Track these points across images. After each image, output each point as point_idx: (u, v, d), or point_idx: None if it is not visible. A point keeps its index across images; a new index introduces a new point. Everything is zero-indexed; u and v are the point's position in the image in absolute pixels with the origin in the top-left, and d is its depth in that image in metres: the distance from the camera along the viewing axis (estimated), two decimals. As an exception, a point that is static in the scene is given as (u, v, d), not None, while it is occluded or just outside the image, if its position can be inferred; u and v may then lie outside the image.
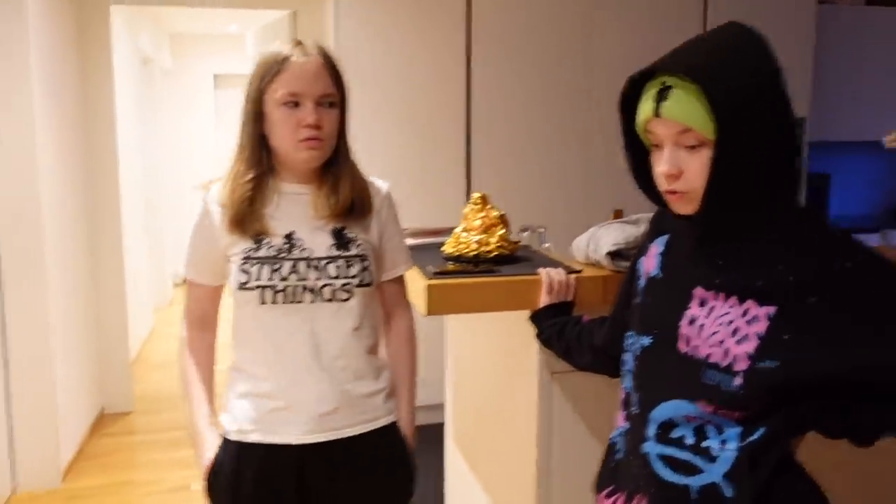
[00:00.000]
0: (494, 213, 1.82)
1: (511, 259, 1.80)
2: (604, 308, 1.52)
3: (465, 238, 1.81)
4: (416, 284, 1.65)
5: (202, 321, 1.53)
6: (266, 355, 1.42)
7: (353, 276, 1.42)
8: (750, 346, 0.99)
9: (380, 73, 3.50)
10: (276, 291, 1.39)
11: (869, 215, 4.81)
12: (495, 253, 1.78)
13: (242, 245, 1.41)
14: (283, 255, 1.40)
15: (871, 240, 4.14)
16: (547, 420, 1.73)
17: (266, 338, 1.42)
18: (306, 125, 1.38)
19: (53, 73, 3.17)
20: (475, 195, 1.86)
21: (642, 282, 1.22)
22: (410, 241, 2.10)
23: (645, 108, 1.06)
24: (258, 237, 1.41)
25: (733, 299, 1.03)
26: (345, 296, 1.42)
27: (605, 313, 1.40)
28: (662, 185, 1.07)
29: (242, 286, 1.39)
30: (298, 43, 1.41)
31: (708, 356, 1.03)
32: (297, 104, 1.38)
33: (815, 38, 4.01)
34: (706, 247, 1.07)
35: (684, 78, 0.99)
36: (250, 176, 1.40)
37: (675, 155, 1.03)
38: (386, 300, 1.58)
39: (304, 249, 1.41)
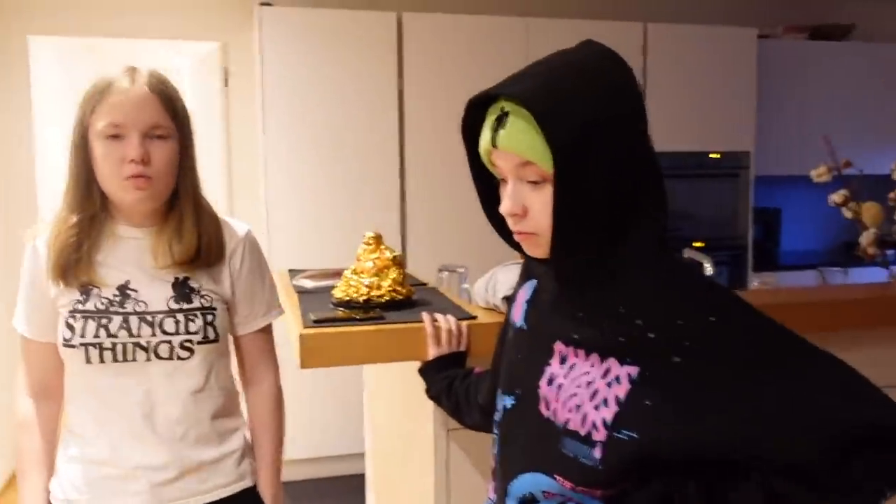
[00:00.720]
0: (388, 255, 1.68)
1: (405, 304, 1.65)
2: (500, 358, 1.38)
3: (355, 281, 1.66)
4: (293, 334, 1.50)
5: (43, 387, 1.34)
6: (95, 417, 1.27)
7: (194, 332, 1.27)
8: (608, 413, 0.85)
9: (308, 105, 3.38)
10: (104, 349, 1.23)
11: (815, 251, 4.75)
12: (387, 298, 1.63)
13: (69, 296, 1.26)
14: (113, 308, 1.25)
15: (807, 277, 4.06)
16: (443, 478, 1.57)
17: (95, 398, 1.26)
18: (130, 160, 1.20)
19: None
20: (368, 234, 1.72)
21: (510, 333, 1.08)
22: (308, 284, 1.95)
23: (484, 136, 0.93)
24: (86, 288, 1.25)
25: (594, 357, 0.89)
26: (185, 354, 1.27)
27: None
28: (509, 224, 0.94)
29: (66, 343, 1.24)
30: (130, 69, 1.25)
31: (566, 422, 0.90)
32: (119, 137, 1.21)
33: (756, 72, 3.97)
34: (564, 296, 0.94)
35: (520, 104, 0.86)
36: (76, 218, 1.25)
37: (518, 190, 0.90)
38: (245, 356, 1.43)
39: (139, 303, 1.26)
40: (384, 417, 2.17)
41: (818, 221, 4.72)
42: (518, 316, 1.05)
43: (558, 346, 0.93)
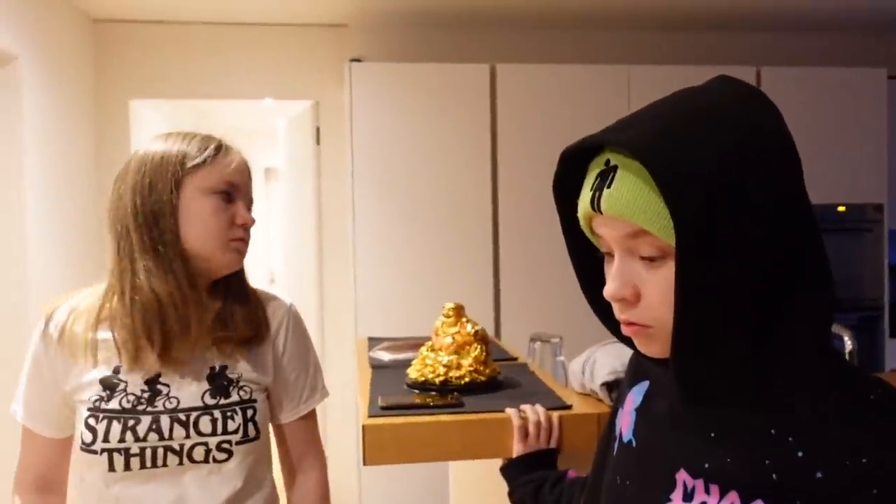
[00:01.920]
0: (470, 329, 1.48)
1: (488, 386, 1.44)
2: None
3: (432, 360, 1.46)
4: (359, 422, 1.32)
5: (45, 482, 1.18)
6: None
7: (233, 431, 1.10)
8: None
9: (397, 163, 3.26)
10: (130, 456, 1.07)
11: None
12: (467, 379, 1.43)
13: (90, 391, 1.10)
14: (141, 406, 1.09)
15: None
16: None
17: None
18: (242, 224, 1.16)
19: (56, 171, 3.05)
20: (447, 305, 1.52)
21: (615, 446, 0.85)
22: (385, 357, 1.77)
23: (583, 197, 0.72)
24: (109, 381, 1.10)
25: (733, 496, 0.65)
26: (222, 456, 1.10)
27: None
28: (615, 310, 0.72)
29: (85, 447, 1.08)
30: (224, 140, 1.20)
31: None
32: (231, 198, 1.16)
33: (887, 116, 3.59)
34: (690, 409, 0.71)
35: (631, 156, 0.65)
36: (127, 293, 1.10)
37: (627, 268, 0.69)
38: (289, 447, 1.26)
39: (169, 398, 1.10)
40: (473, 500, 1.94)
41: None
42: (626, 427, 0.82)
43: (682, 476, 0.70)
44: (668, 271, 0.65)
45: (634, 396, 0.83)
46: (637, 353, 0.85)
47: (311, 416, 1.29)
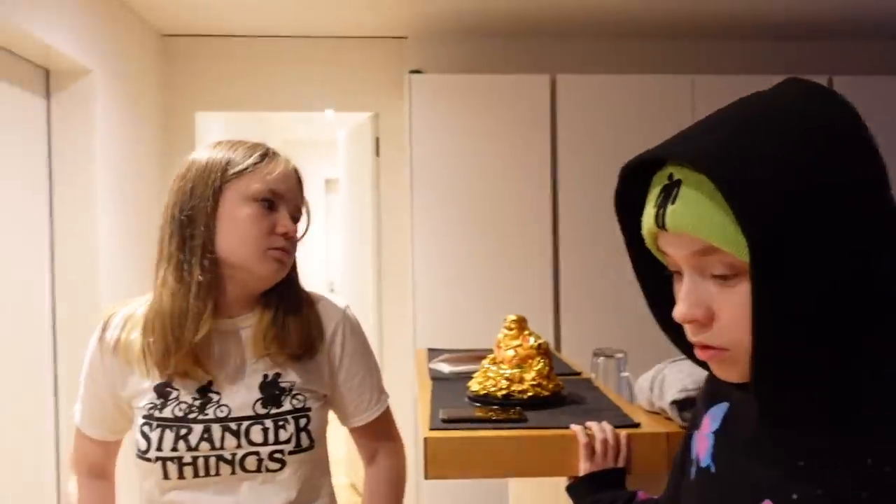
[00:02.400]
0: (532, 342, 1.45)
1: (552, 402, 1.40)
2: (667, 474, 1.10)
3: (494, 373, 1.43)
4: (420, 434, 1.29)
5: (96, 471, 1.22)
6: None
7: (285, 441, 1.09)
8: None
9: (456, 174, 3.25)
10: (183, 464, 1.07)
11: None
12: (530, 394, 1.39)
13: (144, 398, 1.11)
14: (192, 415, 1.09)
15: None
16: None
17: None
18: (283, 233, 1.12)
19: (125, 180, 3.13)
20: (509, 318, 1.49)
21: (692, 471, 0.80)
22: (446, 369, 1.75)
23: (647, 214, 0.68)
24: (163, 390, 1.10)
25: None
26: (275, 466, 1.08)
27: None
28: (687, 333, 0.68)
29: (141, 455, 1.09)
30: (274, 149, 1.18)
31: None
32: (273, 206, 1.13)
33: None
34: (776, 435, 0.66)
35: (697, 168, 0.62)
36: (211, 302, 1.10)
37: (698, 288, 0.64)
38: (363, 444, 1.27)
39: (220, 407, 1.09)
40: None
41: None
42: (703, 451, 0.78)
43: None
44: (742, 290, 0.61)
45: (712, 419, 0.79)
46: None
47: (383, 414, 1.28)
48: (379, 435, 1.28)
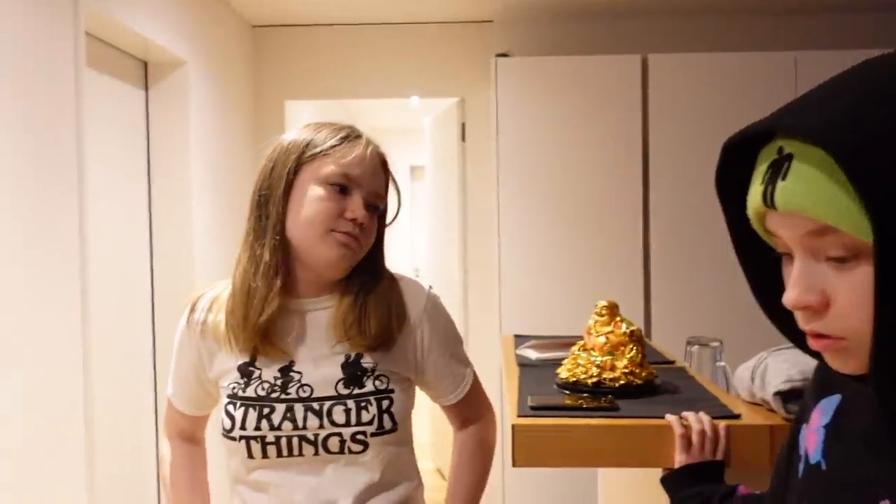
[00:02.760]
0: (624, 328, 1.40)
1: (645, 390, 1.35)
2: (770, 469, 1.04)
3: (584, 360, 1.39)
4: (507, 422, 1.27)
5: (186, 436, 1.26)
6: None
7: (367, 422, 1.07)
8: None
9: (544, 157, 3.19)
10: (266, 444, 1.07)
11: None
12: (622, 382, 1.34)
13: (229, 378, 1.12)
14: (275, 394, 1.09)
15: None
16: None
17: (259, 496, 1.12)
18: (352, 218, 1.09)
19: (218, 168, 3.22)
20: (600, 303, 1.45)
21: (800, 467, 0.75)
22: (533, 356, 1.72)
23: (754, 191, 0.62)
24: (247, 369, 1.11)
25: None
26: (357, 448, 1.08)
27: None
28: (799, 321, 0.62)
29: (226, 434, 1.10)
30: (360, 132, 1.15)
31: None
32: (345, 191, 1.10)
33: None
34: (895, 430, 0.61)
35: (810, 141, 0.56)
36: (278, 283, 1.10)
37: (811, 271, 0.59)
38: (455, 416, 1.26)
39: (303, 387, 1.09)
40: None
41: None
42: (813, 446, 0.72)
43: None
44: (862, 273, 0.55)
45: (823, 412, 0.73)
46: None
47: (473, 389, 1.26)
48: (470, 405, 1.27)
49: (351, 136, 1.14)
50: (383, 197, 1.16)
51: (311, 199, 1.09)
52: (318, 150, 1.11)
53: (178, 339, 1.19)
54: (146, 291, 2.80)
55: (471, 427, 1.27)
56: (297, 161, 1.11)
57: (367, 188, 1.12)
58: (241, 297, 1.11)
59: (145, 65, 2.80)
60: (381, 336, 1.12)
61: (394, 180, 1.21)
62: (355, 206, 1.10)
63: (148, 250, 2.82)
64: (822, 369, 0.78)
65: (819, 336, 0.60)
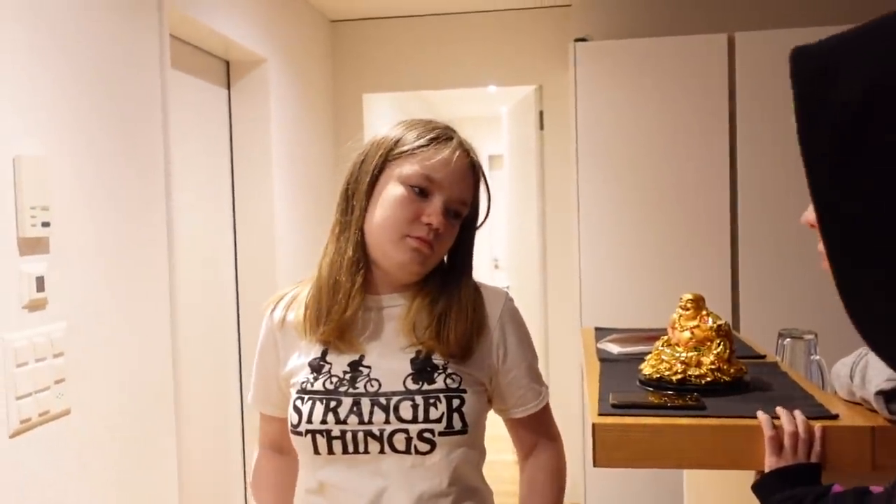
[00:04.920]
0: (711, 322, 1.34)
1: (733, 387, 1.29)
2: (871, 475, 0.98)
3: (668, 356, 1.34)
4: (587, 420, 1.24)
5: (277, 446, 1.26)
6: None
7: (436, 420, 1.05)
8: None
9: (624, 143, 3.10)
10: (332, 438, 1.06)
11: None
12: (709, 378, 1.29)
13: (301, 374, 1.12)
14: (343, 388, 1.08)
15: None
16: None
17: (324, 497, 1.11)
18: (428, 223, 1.07)
19: (299, 162, 3.28)
20: (685, 296, 1.39)
21: None
22: (614, 350, 1.67)
23: None
24: (318, 364, 1.11)
25: None
26: (424, 447, 1.05)
27: (873, 481, 0.87)
28: None
29: (293, 429, 1.10)
30: (456, 135, 1.13)
31: None
32: (425, 193, 1.09)
33: None
34: None
35: None
36: (360, 279, 1.11)
37: None
38: (519, 436, 1.21)
39: (371, 381, 1.08)
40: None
41: None
42: None
43: None
44: None
45: None
46: None
47: (545, 408, 1.22)
48: (539, 429, 1.22)
49: (441, 137, 1.12)
50: (468, 203, 1.13)
51: (390, 198, 1.09)
52: (405, 148, 1.10)
53: (261, 339, 1.21)
54: (230, 285, 2.88)
55: (541, 456, 1.21)
56: (385, 158, 1.11)
57: (450, 193, 1.10)
58: (326, 289, 1.11)
59: (227, 64, 2.87)
60: (460, 349, 1.10)
61: (486, 184, 1.18)
62: (433, 211, 1.08)
63: (232, 247, 2.90)
64: None
65: None
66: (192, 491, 2.21)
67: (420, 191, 1.08)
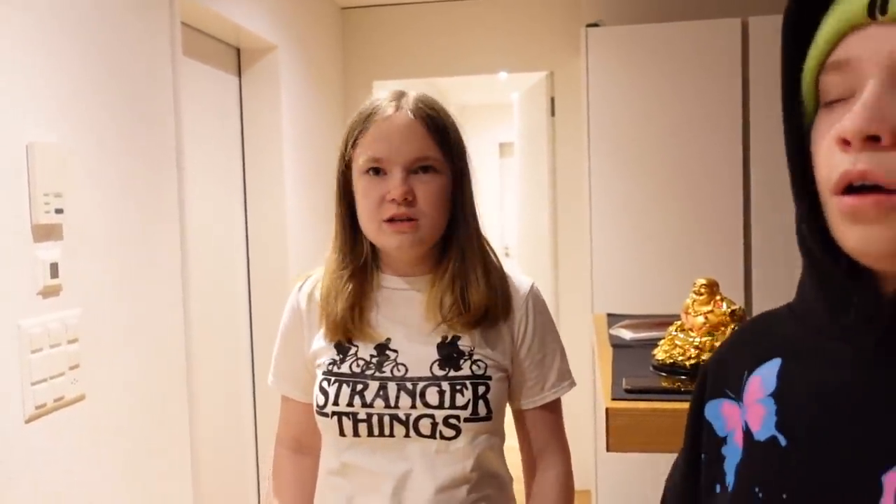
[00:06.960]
0: (725, 307, 1.33)
1: (747, 373, 1.28)
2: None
3: (682, 340, 1.33)
4: (600, 405, 1.23)
5: (299, 445, 1.25)
6: (350, 501, 1.11)
7: (462, 406, 1.05)
8: None
9: (637, 129, 3.08)
10: (358, 421, 1.06)
11: None
12: (723, 364, 1.28)
13: (326, 355, 1.13)
14: (369, 371, 1.08)
15: None
16: None
17: (348, 481, 1.11)
18: (391, 199, 1.05)
19: (308, 149, 3.28)
20: (699, 281, 1.38)
21: (732, 450, 0.65)
22: (627, 336, 1.67)
23: (850, 5, 0.53)
24: (344, 346, 1.11)
25: None
26: (449, 433, 1.06)
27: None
28: (843, 161, 0.53)
29: (319, 410, 1.10)
30: (396, 94, 1.09)
31: None
32: (381, 173, 1.06)
33: None
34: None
35: None
36: (342, 268, 1.12)
37: (886, 102, 0.50)
38: (531, 436, 1.18)
39: (398, 365, 1.08)
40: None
41: None
42: (757, 421, 0.62)
43: (892, 480, 0.51)
44: None
45: (764, 381, 0.63)
46: (758, 320, 0.70)
47: (556, 406, 1.21)
48: (548, 430, 1.20)
49: (375, 110, 1.08)
50: (430, 156, 1.07)
51: (358, 191, 1.10)
52: (354, 138, 1.09)
53: (284, 325, 1.21)
54: (242, 271, 2.89)
55: (549, 470, 1.18)
56: (346, 153, 1.12)
57: (403, 157, 1.05)
58: (330, 281, 1.13)
59: (238, 51, 2.86)
60: (479, 312, 1.09)
61: (452, 132, 1.11)
62: (393, 185, 1.05)
63: (244, 233, 2.91)
64: (755, 330, 0.70)
65: (864, 191, 0.51)
66: (205, 477, 2.22)
67: (375, 171, 1.07)
